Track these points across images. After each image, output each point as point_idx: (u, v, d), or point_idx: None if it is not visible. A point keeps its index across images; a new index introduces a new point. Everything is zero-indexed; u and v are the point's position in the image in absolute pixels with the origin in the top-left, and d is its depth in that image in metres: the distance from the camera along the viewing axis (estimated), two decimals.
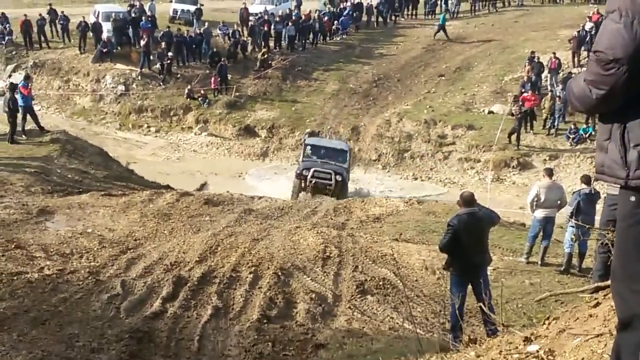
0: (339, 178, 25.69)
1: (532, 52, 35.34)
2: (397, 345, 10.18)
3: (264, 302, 12.67)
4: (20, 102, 26.60)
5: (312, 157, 28.35)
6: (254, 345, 11.03)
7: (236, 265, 14.56)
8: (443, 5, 47.00)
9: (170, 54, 37.38)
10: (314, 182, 25.57)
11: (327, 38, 42.25)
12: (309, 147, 28.83)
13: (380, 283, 14.21)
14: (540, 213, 15.44)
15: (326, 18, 43.03)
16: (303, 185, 26.77)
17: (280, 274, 14.14)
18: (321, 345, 11.14)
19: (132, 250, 15.61)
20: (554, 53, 34.62)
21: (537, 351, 4.59)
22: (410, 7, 47.76)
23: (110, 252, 15.51)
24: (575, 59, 35.22)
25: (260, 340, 11.23)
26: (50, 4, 43.23)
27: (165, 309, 12.45)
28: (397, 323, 12.22)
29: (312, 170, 26.10)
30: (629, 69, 2.85)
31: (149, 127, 35.29)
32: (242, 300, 12.87)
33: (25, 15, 40.56)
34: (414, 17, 47.41)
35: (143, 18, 40.35)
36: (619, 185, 3.01)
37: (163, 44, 37.88)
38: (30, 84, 29.35)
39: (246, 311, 12.42)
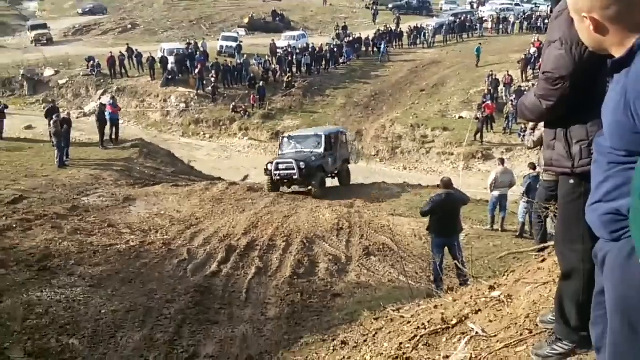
0: (302, 165, 19.46)
1: (491, 71, 35.24)
2: (394, 293, 10.22)
3: (294, 263, 12.86)
4: (107, 117, 26.75)
5: (286, 149, 22.05)
6: (287, 295, 11.16)
7: (272, 236, 14.79)
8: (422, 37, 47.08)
9: (218, 79, 37.53)
10: (278, 175, 19.84)
11: (336, 64, 42.19)
12: (284, 140, 22.71)
13: (381, 247, 14.40)
14: (496, 192, 16.06)
15: (335, 49, 43.05)
16: (272, 179, 20.58)
17: (305, 241, 14.38)
18: (337, 294, 11.28)
19: (194, 227, 15.96)
20: (508, 71, 34.63)
21: (499, 296, 4.63)
22: (397, 40, 47.68)
23: (178, 228, 15.76)
24: (524, 75, 35.34)
25: (291, 291, 11.37)
26: (127, 44, 43.46)
27: (220, 270, 12.64)
28: (394, 277, 12.35)
29: (274, 163, 20.25)
30: (571, 84, 2.90)
31: (204, 134, 35.45)
32: (277, 262, 13.07)
33: (111, 52, 40.75)
34: (400, 47, 47.31)
35: (197, 53, 40.54)
36: (562, 174, 3.07)
37: (213, 71, 37.98)
38: (117, 103, 29.56)
39: (280, 270, 12.61)
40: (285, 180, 20.50)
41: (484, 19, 53.01)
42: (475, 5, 64.09)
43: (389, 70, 41.69)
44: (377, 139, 33.13)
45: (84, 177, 21.04)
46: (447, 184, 11.05)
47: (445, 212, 10.74)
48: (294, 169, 19.26)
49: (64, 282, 11.95)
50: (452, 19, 51.40)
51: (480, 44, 41.36)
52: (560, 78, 2.95)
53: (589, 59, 2.81)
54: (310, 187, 20.19)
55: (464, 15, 53.09)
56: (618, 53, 2.17)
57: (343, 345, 5.84)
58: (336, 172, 23.65)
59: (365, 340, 5.42)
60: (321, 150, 21.02)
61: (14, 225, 15.48)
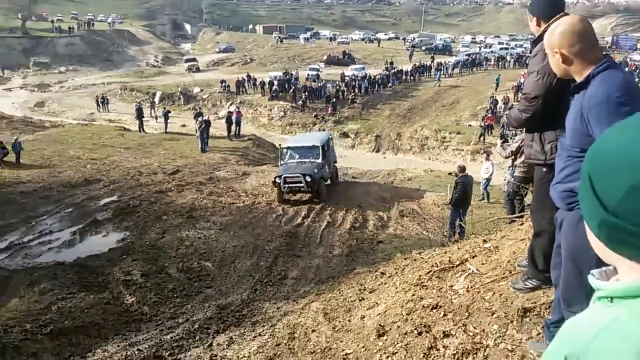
0: (308, 179, 15.28)
1: (492, 94, 34.14)
2: (419, 242, 10.13)
3: (352, 220, 12.88)
4: (233, 119, 27.22)
5: (288, 160, 16.66)
6: (347, 240, 11.22)
7: (338, 201, 14.74)
8: (442, 70, 45.95)
9: (305, 96, 37.60)
10: (287, 188, 15.30)
11: (384, 88, 41.60)
12: (284, 151, 17.16)
13: (411, 211, 14.22)
14: (486, 175, 15.54)
15: (384, 77, 42.48)
16: (281, 190, 15.50)
17: (360, 205, 14.27)
18: (380, 241, 11.26)
19: None
20: (506, 95, 33.40)
21: (489, 247, 4.55)
22: (426, 71, 46.73)
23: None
24: (515, 97, 33.93)
25: (350, 238, 11.41)
26: (247, 72, 44.02)
27: (303, 222, 12.80)
28: (419, 232, 12.19)
29: (282, 177, 15.31)
30: (543, 102, 2.85)
31: (295, 132, 35.60)
32: (341, 219, 13.12)
33: (237, 77, 41.38)
34: (430, 76, 46.35)
35: (292, 78, 40.68)
36: (537, 164, 3.02)
37: (302, 91, 38.08)
38: (240, 111, 30.04)
39: (343, 224, 12.64)
40: (295, 191, 15.71)
41: (489, 57, 51.28)
42: (482, 48, 61.92)
43: (421, 92, 40.84)
44: (411, 139, 32.61)
45: (217, 159, 21.51)
46: (463, 168, 10.68)
47: (466, 189, 10.41)
48: (301, 182, 15.20)
49: (202, 226, 12.33)
50: (466, 57, 49.98)
51: (499, 75, 40.04)
52: (535, 97, 2.92)
53: (557, 85, 2.76)
54: (313, 193, 15.59)
55: (474, 55, 51.48)
56: (579, 79, 2.14)
57: (382, 275, 5.85)
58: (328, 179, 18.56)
59: (396, 273, 5.41)
60: (320, 160, 16.16)
61: (172, 188, 16.02)
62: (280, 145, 18.11)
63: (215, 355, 5.03)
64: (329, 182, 17.43)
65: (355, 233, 11.89)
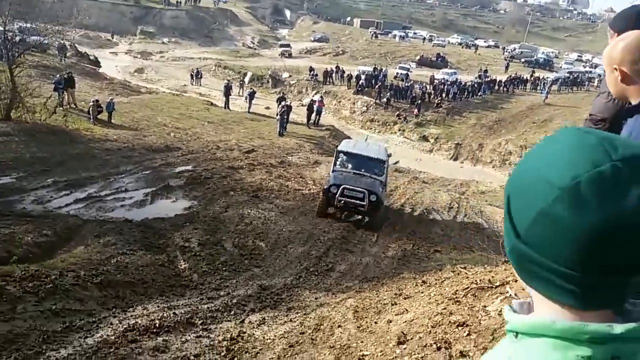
0: (373, 198, 12.20)
1: (590, 114, 32.11)
2: (477, 258, 9.77)
3: (414, 224, 12.55)
4: (315, 108, 27.47)
5: (345, 167, 13.45)
6: (404, 244, 10.96)
7: (403, 203, 14.52)
8: (541, 86, 43.66)
9: (391, 94, 37.18)
10: (343, 202, 12.24)
11: (474, 96, 40.28)
12: (341, 156, 13.84)
13: (477, 225, 13.67)
14: None
15: (475, 85, 41.16)
16: (331, 202, 12.49)
17: (425, 211, 13.94)
18: (437, 250, 11.15)
19: None
20: None
21: None
22: (522, 85, 44.66)
23: None
24: None
25: (407, 242, 11.16)
26: (337, 64, 44.21)
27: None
28: (481, 248, 11.72)
29: (341, 188, 12.28)
30: (609, 126, 2.66)
31: (374, 129, 35.36)
32: (404, 220, 12.81)
33: (326, 68, 41.70)
34: (524, 90, 44.22)
35: (380, 75, 40.35)
36: None
37: (388, 89, 37.69)
38: (323, 100, 30.24)
39: (403, 227, 12.35)
40: (349, 208, 12.51)
41: (592, 77, 48.09)
42: (587, 67, 58.21)
43: (512, 104, 39.17)
44: (493, 151, 31.38)
45: (292, 144, 21.82)
46: None
47: None
48: (363, 199, 12.03)
49: (265, 207, 12.57)
50: (567, 74, 47.28)
51: None
52: (601, 120, 2.73)
53: (621, 107, 2.53)
54: (369, 217, 12.47)
55: (578, 74, 48.55)
56: (635, 101, 1.94)
57: (422, 284, 5.69)
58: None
59: (435, 283, 5.24)
60: (383, 177, 13.20)
61: (244, 167, 16.45)
62: (337, 147, 14.49)
63: (244, 332, 5.13)
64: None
65: (414, 238, 11.65)
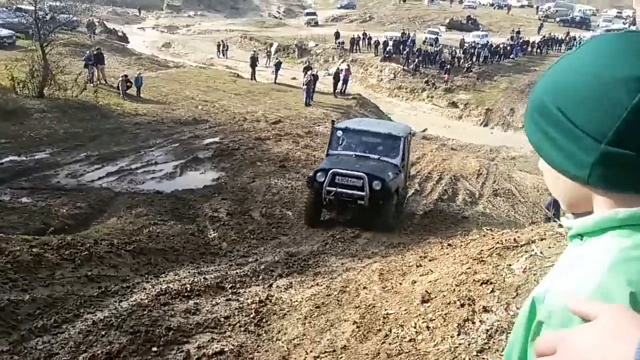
0: (376, 186, 8.52)
1: None
2: (506, 225, 9.67)
3: (441, 191, 12.50)
4: (341, 77, 27.22)
5: (343, 149, 9.93)
6: (430, 211, 10.97)
7: (431, 171, 14.40)
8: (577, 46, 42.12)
9: (419, 60, 36.47)
10: (332, 193, 8.67)
11: (506, 59, 39.17)
12: (338, 134, 10.02)
13: (507, 191, 13.47)
14: None
15: (507, 47, 39.97)
16: (322, 199, 8.90)
17: (453, 178, 13.81)
18: (465, 217, 10.89)
19: None
20: None
21: (563, 231, 4.22)
22: (556, 45, 43.11)
23: None
24: None
25: (434, 209, 11.16)
26: (364, 30, 43.54)
27: None
28: (511, 214, 11.61)
29: (329, 173, 8.72)
30: None
31: (402, 97, 34.90)
32: (430, 188, 12.78)
33: (353, 35, 41.08)
34: (558, 50, 42.69)
35: (408, 40, 39.55)
36: None
37: (417, 54, 36.96)
38: (349, 69, 29.92)
39: (431, 194, 12.32)
40: (344, 203, 8.99)
41: None
42: (629, 24, 55.66)
43: (546, 66, 37.25)
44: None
45: (318, 114, 21.77)
46: None
47: None
48: (363, 189, 8.59)
49: (292, 177, 12.66)
50: (604, 33, 45.48)
51: None
52: None
53: None
54: (373, 213, 8.83)
55: (616, 32, 46.67)
56: None
57: (448, 247, 5.70)
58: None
59: (460, 246, 5.25)
60: (398, 160, 9.51)
61: (271, 137, 16.53)
62: (333, 122, 10.69)
63: (272, 296, 5.26)
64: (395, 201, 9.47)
65: (441, 205, 11.59)
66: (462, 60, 37.39)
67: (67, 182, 11.17)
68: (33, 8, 19.05)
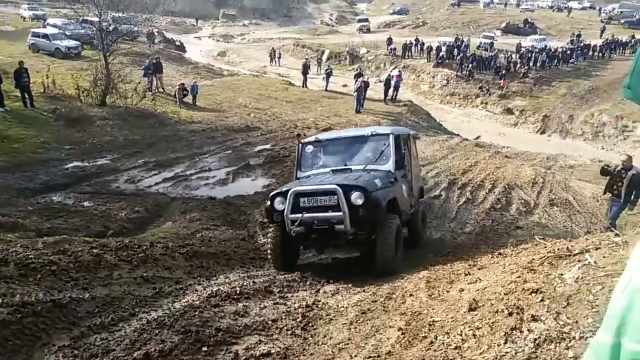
0: (357, 199, 5.93)
1: None
2: (562, 234, 9.35)
3: (494, 200, 12.20)
4: (392, 83, 27.09)
5: (317, 167, 7.49)
6: (482, 220, 10.74)
7: (483, 179, 14.07)
8: None
9: (473, 65, 35.77)
10: (297, 223, 6.11)
11: (566, 63, 37.82)
12: (307, 150, 7.68)
13: (564, 201, 12.96)
14: None
15: (567, 52, 38.58)
16: (288, 233, 6.35)
17: (507, 187, 13.45)
18: (519, 227, 10.55)
19: (431, 164, 15.62)
20: None
21: (619, 240, 4.06)
22: (620, 49, 41.23)
23: (420, 163, 15.44)
24: None
25: (486, 218, 10.91)
26: (416, 36, 43.25)
27: (441, 194, 12.45)
28: (568, 224, 11.17)
29: (289, 195, 6.18)
30: None
31: (455, 103, 34.33)
32: (482, 197, 12.49)
33: (405, 41, 40.87)
34: (622, 54, 40.80)
35: (462, 45, 38.92)
36: None
37: (470, 60, 36.30)
38: (401, 75, 29.74)
39: (483, 203, 12.05)
40: (314, 238, 6.39)
41: None
42: None
43: (608, 71, 36.35)
44: (585, 123, 29.44)
45: (369, 121, 21.74)
46: (631, 159, 9.47)
47: (622, 182, 9.20)
48: (337, 206, 6.06)
49: None
50: None
51: None
52: None
53: None
54: (361, 244, 6.60)
55: None
56: None
57: (498, 255, 5.58)
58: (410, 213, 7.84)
59: (511, 255, 5.13)
60: (389, 165, 7.19)
61: None
62: (299, 137, 8.40)
63: (319, 301, 5.31)
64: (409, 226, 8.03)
65: (494, 214, 11.29)
66: (518, 65, 36.43)
67: (126, 187, 11.70)
68: (98, 19, 20.11)
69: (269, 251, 6.76)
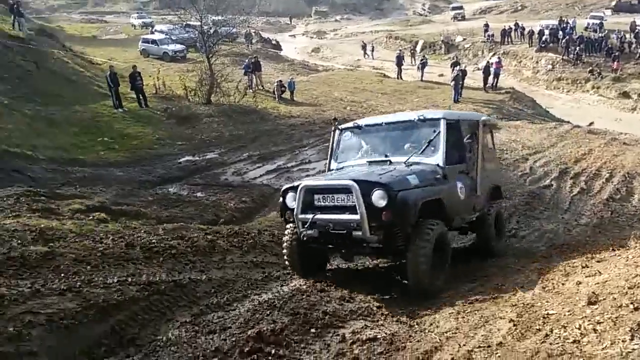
0: (378, 199, 4.67)
1: None
2: None
3: (612, 190, 11.29)
4: (492, 70, 26.00)
5: (355, 158, 6.22)
6: (600, 211, 9.99)
7: (599, 168, 13.07)
8: None
9: (580, 48, 33.21)
10: (308, 224, 5.12)
11: None
12: (345, 137, 6.48)
13: None
14: None
15: None
16: (299, 237, 5.35)
17: (627, 175, 12.36)
18: None
19: (539, 152, 14.79)
20: None
21: None
22: None
23: (527, 151, 14.82)
24: None
25: (604, 209, 10.13)
26: (516, 20, 41.03)
27: (552, 184, 11.78)
28: None
29: (299, 190, 5.20)
30: None
31: (562, 89, 32.09)
32: (598, 187, 11.60)
33: (504, 26, 38.95)
34: None
35: (567, 27, 36.25)
36: None
37: (577, 42, 33.76)
38: (501, 61, 28.41)
39: (600, 193, 11.18)
40: (327, 239, 5.16)
41: None
42: None
43: None
44: None
45: (468, 110, 21.02)
46: None
47: None
48: (355, 209, 4.84)
49: None
50: None
51: None
52: None
53: None
54: (389, 254, 5.48)
55: None
56: None
57: (620, 248, 5.18)
58: (474, 217, 6.43)
59: (635, 247, 4.74)
60: (437, 157, 5.67)
61: None
62: (335, 121, 7.41)
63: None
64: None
65: (613, 205, 10.44)
66: (634, 46, 33.31)
67: (233, 179, 12.33)
68: (199, 23, 21.26)
69: (285, 256, 5.67)
